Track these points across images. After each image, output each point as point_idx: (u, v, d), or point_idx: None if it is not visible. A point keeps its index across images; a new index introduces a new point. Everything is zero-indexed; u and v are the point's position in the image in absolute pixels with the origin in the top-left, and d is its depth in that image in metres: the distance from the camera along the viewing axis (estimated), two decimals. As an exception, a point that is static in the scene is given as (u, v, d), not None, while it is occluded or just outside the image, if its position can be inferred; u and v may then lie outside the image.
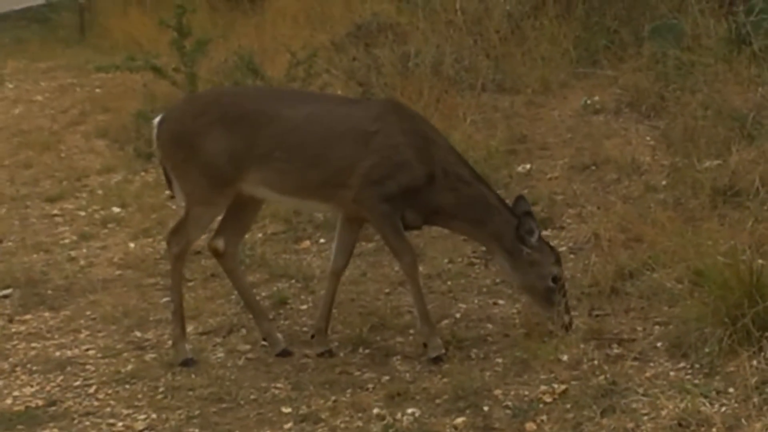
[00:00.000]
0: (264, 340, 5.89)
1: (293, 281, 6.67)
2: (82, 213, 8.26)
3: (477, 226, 5.65)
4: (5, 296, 6.79)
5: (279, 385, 5.47)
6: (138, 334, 6.18)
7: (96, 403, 5.42)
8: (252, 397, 5.37)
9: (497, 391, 5.17)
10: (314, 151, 5.55)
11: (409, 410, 5.09)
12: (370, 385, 5.38)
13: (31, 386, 5.65)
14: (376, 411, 5.10)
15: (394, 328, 5.95)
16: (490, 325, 5.93)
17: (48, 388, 5.63)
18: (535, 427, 4.87)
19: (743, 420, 4.64)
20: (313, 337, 5.82)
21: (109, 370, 5.74)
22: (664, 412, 4.74)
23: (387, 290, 6.45)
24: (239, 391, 5.41)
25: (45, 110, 11.49)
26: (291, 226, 7.47)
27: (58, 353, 6.01)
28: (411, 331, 5.89)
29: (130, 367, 5.76)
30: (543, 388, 5.14)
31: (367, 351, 5.75)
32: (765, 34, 8.04)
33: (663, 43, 8.49)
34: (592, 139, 7.85)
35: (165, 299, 6.50)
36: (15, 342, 6.19)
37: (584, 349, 5.41)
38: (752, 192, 6.44)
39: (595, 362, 5.27)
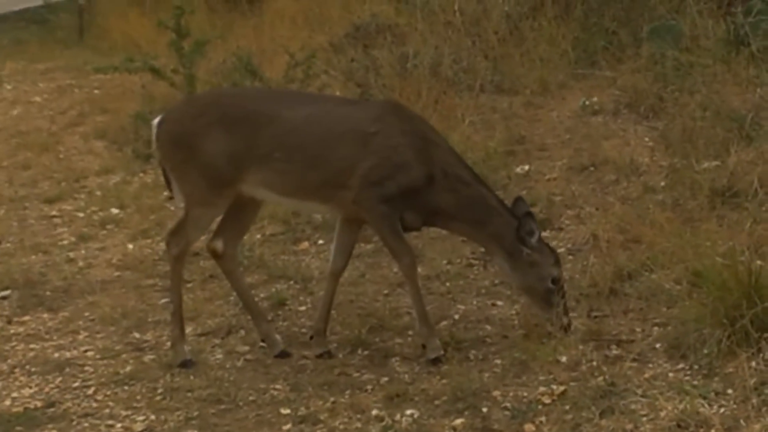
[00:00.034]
0: (263, 341, 5.89)
1: (292, 282, 6.67)
2: (81, 214, 8.26)
3: (477, 228, 5.65)
4: (4, 297, 6.79)
5: (278, 386, 5.47)
6: (137, 335, 6.18)
7: (95, 405, 5.42)
8: (251, 398, 5.37)
9: (496, 393, 5.17)
10: (314, 152, 5.55)
11: (408, 411, 5.09)
12: (369, 387, 5.38)
13: (30, 387, 5.65)
14: (374, 412, 5.10)
15: (392, 330, 5.95)
16: (488, 327, 5.93)
17: (47, 389, 5.62)
18: (533, 428, 4.87)
19: (742, 421, 4.64)
20: (311, 338, 5.83)
21: (108, 371, 5.74)
22: (662, 413, 4.75)
23: (386, 291, 6.45)
24: (238, 392, 5.41)
25: (43, 111, 11.48)
26: (290, 227, 7.47)
27: (56, 354, 6.01)
28: (410, 333, 5.89)
29: (128, 368, 5.76)
30: (542, 389, 5.14)
31: (365, 352, 5.75)
32: (763, 35, 8.04)
33: (661, 44, 8.49)
34: (590, 140, 7.86)
35: (164, 300, 6.50)
36: (13, 343, 6.19)
37: (583, 350, 5.41)
38: (751, 193, 6.44)
39: (594, 363, 5.27)
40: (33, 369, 5.85)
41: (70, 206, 8.46)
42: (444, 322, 5.99)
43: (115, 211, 8.23)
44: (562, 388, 5.10)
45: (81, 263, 7.29)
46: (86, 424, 5.24)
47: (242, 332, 6.10)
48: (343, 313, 6.14)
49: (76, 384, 5.65)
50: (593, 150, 7.68)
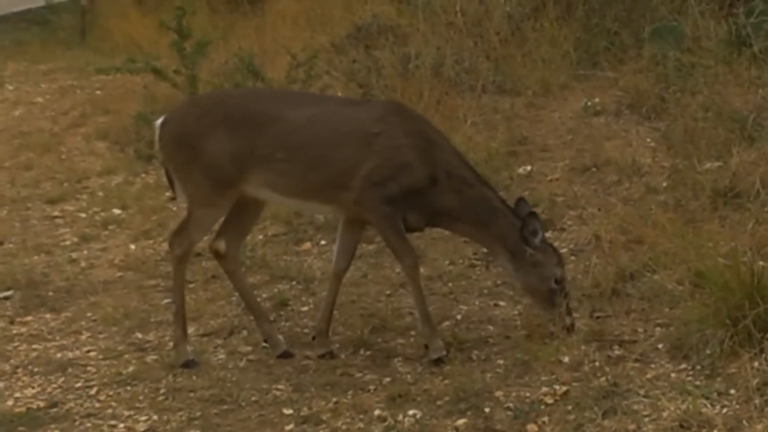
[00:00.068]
0: (265, 341, 5.89)
1: (294, 283, 6.68)
2: (83, 215, 8.26)
3: (480, 229, 5.65)
4: (6, 298, 6.80)
5: (280, 386, 5.47)
6: (139, 335, 6.18)
7: (97, 405, 5.42)
8: (253, 398, 5.37)
9: (498, 393, 5.17)
10: (317, 153, 5.55)
11: (411, 412, 5.09)
12: (372, 387, 5.39)
13: (33, 388, 5.65)
14: (377, 412, 5.11)
15: (395, 330, 5.95)
16: (491, 327, 5.93)
17: (49, 389, 5.63)
18: (536, 428, 4.87)
19: (744, 421, 4.64)
20: (314, 338, 5.83)
21: (110, 371, 5.74)
22: (665, 414, 4.75)
23: (388, 292, 6.46)
24: (240, 392, 5.42)
25: (45, 112, 11.49)
26: (292, 227, 7.48)
27: (59, 355, 6.01)
28: (412, 333, 5.89)
29: (131, 368, 5.76)
30: (544, 389, 5.14)
31: (368, 352, 5.75)
32: (765, 36, 8.04)
33: (663, 45, 8.49)
34: (592, 141, 7.86)
35: (166, 301, 6.51)
36: (16, 343, 6.19)
37: (585, 350, 5.41)
38: (753, 193, 6.45)
39: (597, 364, 5.27)
40: (35, 369, 5.85)
41: (72, 207, 8.47)
42: (446, 323, 5.99)
43: (117, 211, 8.24)
44: (564, 388, 5.10)
45: (83, 264, 7.30)
46: (89, 425, 5.24)
47: (245, 333, 6.10)
48: (346, 313, 6.14)
49: (79, 384, 5.65)
50: (595, 151, 7.69)
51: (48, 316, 6.54)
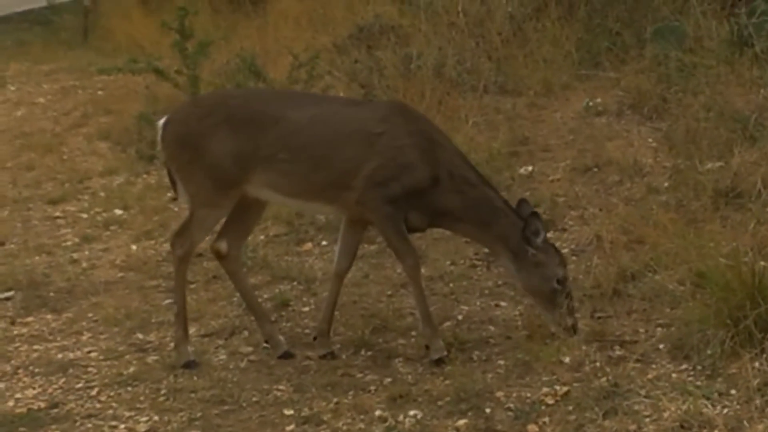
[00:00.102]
0: (266, 342, 5.89)
1: (295, 283, 6.68)
2: (85, 215, 8.26)
3: (482, 229, 5.65)
4: (7, 298, 6.80)
5: (281, 387, 5.47)
6: (140, 336, 6.18)
7: (98, 406, 5.42)
8: (254, 399, 5.37)
9: (499, 393, 5.17)
10: (319, 153, 5.55)
11: (411, 412, 5.09)
12: (372, 387, 5.39)
13: (33, 388, 5.65)
14: (378, 413, 5.11)
15: (396, 330, 5.95)
16: (492, 327, 5.93)
17: (50, 390, 5.63)
18: (537, 428, 4.86)
19: (745, 422, 4.64)
20: (315, 339, 5.82)
21: (111, 372, 5.74)
22: (666, 414, 4.75)
23: (389, 292, 6.45)
24: (241, 393, 5.42)
25: (47, 112, 11.49)
26: (293, 228, 7.48)
27: (60, 355, 6.01)
28: (413, 333, 5.89)
29: (132, 369, 5.76)
30: (545, 390, 5.14)
31: (369, 353, 5.75)
32: (767, 36, 8.04)
33: (665, 45, 8.49)
34: (594, 141, 7.86)
35: (167, 301, 6.51)
36: (17, 344, 6.19)
37: (586, 350, 5.41)
38: (754, 194, 6.44)
39: (597, 364, 5.27)
40: (36, 370, 5.85)
41: (73, 207, 8.47)
42: (447, 323, 5.99)
43: (118, 212, 8.24)
44: (565, 388, 5.10)
45: (84, 264, 7.30)
46: (89, 425, 5.24)
47: (246, 333, 6.10)
48: (347, 313, 6.14)
49: (80, 385, 5.65)
50: (597, 151, 7.68)
51: (49, 316, 6.54)
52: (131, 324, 6.31)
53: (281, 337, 5.87)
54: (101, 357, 5.95)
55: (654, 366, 5.23)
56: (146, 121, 9.07)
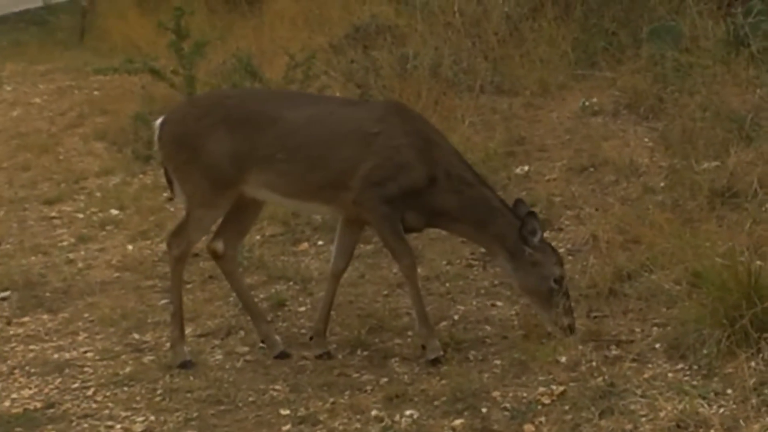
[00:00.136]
0: (262, 342, 5.89)
1: (291, 283, 6.67)
2: (81, 215, 8.26)
3: (479, 229, 5.64)
4: (3, 298, 6.79)
5: (277, 387, 5.47)
6: (136, 336, 6.18)
7: (94, 406, 5.42)
8: (250, 399, 5.37)
9: (495, 393, 5.17)
10: (316, 153, 5.55)
11: (408, 412, 5.09)
12: (369, 387, 5.38)
13: (30, 388, 5.65)
14: (374, 413, 5.10)
15: (392, 330, 5.95)
16: (488, 327, 5.93)
17: (46, 390, 5.62)
18: (533, 428, 4.87)
19: (741, 421, 4.64)
20: (311, 339, 5.83)
21: (108, 372, 5.74)
22: (662, 414, 4.75)
23: (385, 292, 6.45)
24: (237, 393, 5.41)
25: (43, 113, 11.48)
26: (289, 228, 7.47)
27: (56, 355, 6.01)
28: (409, 333, 5.89)
29: (128, 369, 5.76)
30: (541, 389, 5.14)
31: (365, 353, 5.75)
32: (763, 36, 8.05)
33: (661, 45, 8.49)
34: (590, 141, 7.86)
35: (163, 301, 6.50)
36: (13, 344, 6.19)
37: (582, 350, 5.41)
38: (750, 193, 6.45)
39: (594, 364, 5.26)
40: (32, 370, 5.85)
41: (69, 207, 8.46)
42: (443, 323, 5.99)
43: (114, 212, 8.23)
44: (561, 388, 5.10)
45: (80, 264, 7.29)
46: (86, 425, 5.24)
47: (242, 333, 6.10)
48: (343, 313, 6.14)
49: (76, 385, 5.65)
50: (593, 151, 7.68)
51: (45, 316, 6.53)
52: (127, 324, 6.31)
53: (277, 337, 5.87)
54: (97, 357, 5.95)
55: (650, 365, 5.23)
56: (142, 121, 9.06)
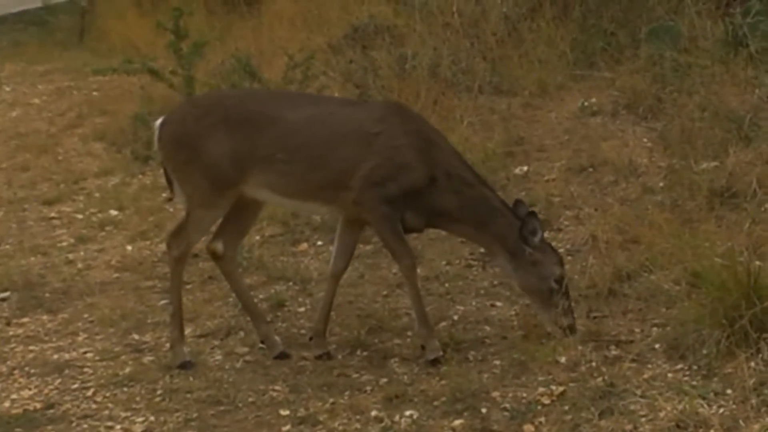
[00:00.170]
0: (262, 342, 5.89)
1: (291, 284, 6.68)
2: (80, 216, 8.26)
3: (479, 229, 5.64)
4: (3, 299, 6.79)
5: (277, 387, 5.47)
6: (136, 336, 6.18)
7: (94, 406, 5.42)
8: (250, 399, 5.37)
9: (495, 393, 5.18)
10: (316, 153, 5.55)
11: (407, 412, 5.09)
12: (368, 388, 5.39)
13: (29, 389, 5.65)
14: (374, 413, 5.11)
15: (392, 331, 5.95)
16: (487, 327, 5.93)
17: (46, 391, 5.62)
18: (533, 428, 4.87)
19: (741, 421, 4.64)
20: (311, 339, 5.83)
21: (107, 372, 5.74)
22: (662, 414, 4.75)
23: (385, 292, 6.46)
24: (237, 393, 5.41)
25: (42, 113, 11.48)
26: (289, 228, 7.47)
27: (55, 356, 6.01)
28: (409, 334, 5.89)
29: (128, 369, 5.76)
30: (541, 389, 5.14)
31: (365, 353, 5.76)
32: (762, 36, 8.05)
33: (660, 45, 8.49)
34: (589, 141, 7.86)
35: (163, 302, 6.51)
36: (13, 345, 6.19)
37: (582, 350, 5.41)
38: (749, 193, 6.45)
39: (593, 364, 5.26)
40: (32, 371, 5.85)
41: (69, 208, 8.46)
42: (443, 323, 5.99)
43: (114, 212, 8.23)
44: (561, 388, 5.10)
45: (80, 265, 7.29)
46: (85, 426, 5.25)
47: (241, 333, 6.10)
48: (342, 314, 6.14)
49: (76, 385, 5.65)
50: (592, 151, 7.69)
51: (45, 317, 6.53)
52: (127, 324, 6.31)
53: (277, 338, 5.87)
54: (97, 358, 5.95)
55: (650, 366, 5.23)
56: (141, 121, 9.06)
